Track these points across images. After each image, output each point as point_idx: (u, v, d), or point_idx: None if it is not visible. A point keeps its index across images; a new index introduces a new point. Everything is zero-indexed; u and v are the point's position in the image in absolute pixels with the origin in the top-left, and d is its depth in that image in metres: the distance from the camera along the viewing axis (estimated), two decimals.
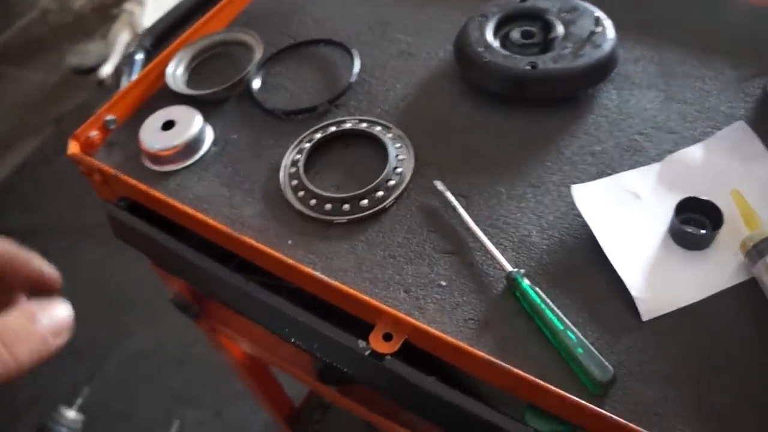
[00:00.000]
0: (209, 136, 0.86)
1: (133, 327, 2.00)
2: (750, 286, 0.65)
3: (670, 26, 0.89)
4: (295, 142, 0.83)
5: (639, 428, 0.57)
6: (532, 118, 0.82)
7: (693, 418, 0.59)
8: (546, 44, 0.82)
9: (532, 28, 0.84)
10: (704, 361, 0.62)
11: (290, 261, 0.71)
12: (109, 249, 2.13)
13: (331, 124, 0.84)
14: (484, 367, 0.63)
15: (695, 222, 0.69)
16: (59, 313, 0.43)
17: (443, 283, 0.70)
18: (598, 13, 0.83)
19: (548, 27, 0.83)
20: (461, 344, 0.63)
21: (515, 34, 0.83)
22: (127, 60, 0.95)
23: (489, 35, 0.83)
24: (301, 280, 0.73)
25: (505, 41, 0.84)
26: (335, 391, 1.09)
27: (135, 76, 0.93)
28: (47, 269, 0.47)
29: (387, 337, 0.67)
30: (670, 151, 0.76)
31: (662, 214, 0.70)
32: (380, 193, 0.76)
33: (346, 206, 0.76)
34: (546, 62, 0.79)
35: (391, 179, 0.77)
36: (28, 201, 2.31)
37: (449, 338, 0.64)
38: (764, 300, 0.64)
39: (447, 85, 0.88)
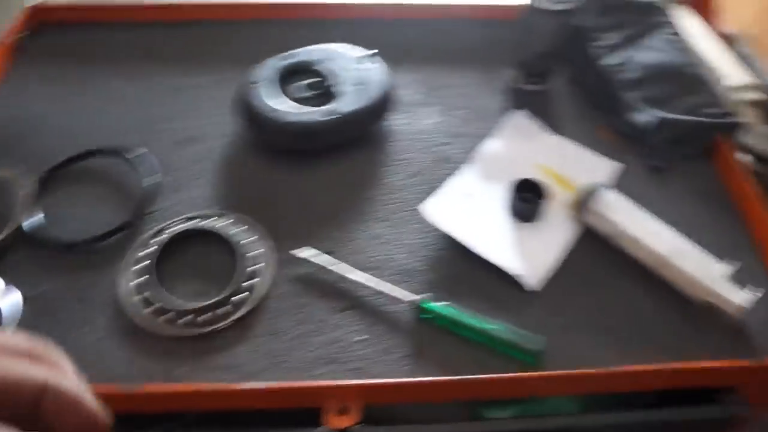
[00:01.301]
0: (13, 298, 0.70)
1: None
2: (587, 233, 0.79)
3: (420, 49, 1.02)
4: (124, 269, 0.73)
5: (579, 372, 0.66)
6: (344, 162, 0.85)
7: (598, 337, 0.70)
8: (328, 93, 0.86)
9: (309, 79, 0.86)
10: (589, 299, 0.73)
11: (206, 387, 0.64)
12: None
13: (157, 234, 0.76)
14: (445, 390, 0.66)
15: (525, 199, 0.80)
16: None
17: (363, 337, 0.70)
18: (360, 52, 0.89)
19: (322, 77, 0.87)
20: (418, 381, 0.65)
21: (297, 91, 0.85)
22: None
23: (271, 98, 0.83)
24: (219, 401, 0.65)
25: (290, 99, 0.85)
26: None
27: None
28: (100, 414, 0.35)
29: (344, 411, 0.65)
30: (474, 150, 0.86)
31: (495, 203, 0.80)
32: (248, 283, 0.72)
33: (220, 310, 0.70)
34: (339, 108, 0.83)
35: (250, 266, 0.73)
36: None
37: (404, 381, 0.65)
38: (601, 239, 0.78)
39: (248, 156, 0.86)
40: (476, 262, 0.75)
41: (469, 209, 0.80)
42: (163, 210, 0.80)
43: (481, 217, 0.79)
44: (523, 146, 0.87)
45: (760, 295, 0.70)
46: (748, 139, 0.90)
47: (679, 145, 0.87)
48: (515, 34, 0.93)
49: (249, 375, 0.66)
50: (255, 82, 0.84)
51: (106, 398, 0.44)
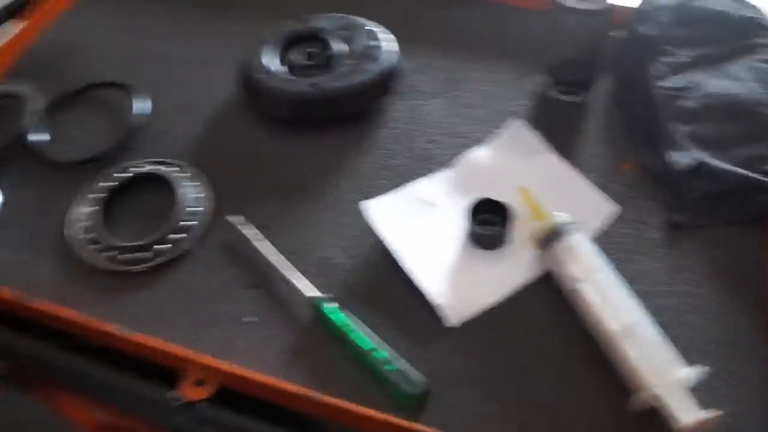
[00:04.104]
0: None
1: None
2: (546, 278, 0.68)
3: (450, 36, 0.93)
4: (81, 193, 0.79)
5: None
6: (324, 139, 0.82)
7: (507, 415, 0.60)
8: (328, 63, 0.82)
9: (313, 49, 0.84)
10: (512, 358, 0.64)
11: (86, 319, 0.67)
12: None
13: (120, 170, 0.80)
14: (297, 400, 0.62)
15: (489, 222, 0.71)
16: None
17: (252, 319, 0.68)
18: (374, 27, 0.84)
19: (327, 46, 0.83)
20: (270, 381, 0.62)
21: (297, 57, 0.83)
22: None
23: (269, 61, 0.82)
24: (102, 337, 0.68)
25: (290, 65, 0.83)
26: None
27: None
28: None
29: (200, 383, 0.64)
30: (460, 155, 0.78)
31: (457, 218, 0.72)
32: (178, 236, 0.73)
33: (143, 254, 0.72)
34: (328, 81, 0.79)
35: (186, 220, 0.74)
36: None
37: (258, 377, 0.62)
38: (559, 290, 0.66)
39: (237, 116, 0.87)
40: (402, 277, 0.69)
41: (421, 219, 0.73)
42: (140, 150, 0.84)
43: (431, 231, 0.72)
44: (513, 162, 0.76)
45: (715, 416, 0.56)
46: None
47: (720, 203, 0.70)
48: (544, 34, 0.81)
49: (136, 322, 0.68)
50: (261, 42, 0.83)
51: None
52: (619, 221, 0.72)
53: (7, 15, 0.98)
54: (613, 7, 0.76)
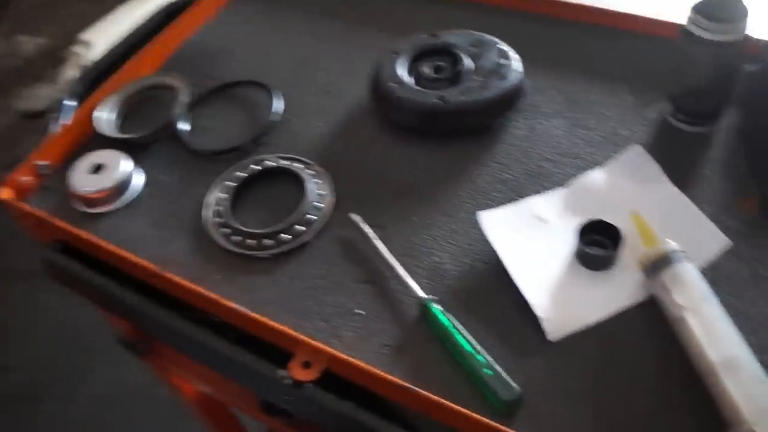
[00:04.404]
0: (139, 178, 0.88)
1: (94, 369, 1.98)
2: (650, 303, 0.68)
3: (574, 56, 0.94)
4: (217, 181, 0.86)
5: None
6: (445, 149, 0.86)
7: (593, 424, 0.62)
8: (456, 78, 0.86)
9: (442, 62, 0.87)
10: (608, 378, 0.65)
11: (213, 295, 0.74)
12: (66, 292, 2.13)
13: (254, 162, 0.87)
14: (398, 392, 0.65)
15: (598, 243, 0.72)
16: None
17: (361, 312, 0.72)
18: (504, 46, 0.87)
19: (457, 61, 0.87)
20: (374, 370, 0.66)
21: (426, 69, 0.87)
22: (57, 106, 0.97)
23: (401, 71, 0.87)
24: (225, 314, 0.75)
25: (418, 77, 0.88)
26: (284, 423, 1.10)
27: (65, 122, 0.96)
28: None
29: (307, 365, 0.69)
30: (575, 176, 0.80)
31: (567, 236, 0.74)
32: (301, 228, 0.79)
33: (268, 241, 0.78)
34: (455, 95, 0.83)
35: (310, 214, 0.80)
36: None
37: (363, 365, 0.66)
38: (663, 316, 0.67)
39: (365, 121, 0.91)
40: (505, 288, 0.71)
41: (533, 235, 0.75)
42: (271, 145, 0.90)
43: (541, 246, 0.74)
44: (628, 186, 0.77)
45: None
46: None
47: None
48: (673, 61, 0.81)
49: (256, 303, 0.74)
50: (394, 53, 0.88)
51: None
52: (733, 256, 0.71)
53: (166, 19, 1.08)
54: (746, 39, 0.75)
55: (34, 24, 2.53)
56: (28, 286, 2.16)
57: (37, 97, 2.34)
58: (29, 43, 2.48)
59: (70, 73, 2.21)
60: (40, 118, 2.28)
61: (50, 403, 1.92)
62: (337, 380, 0.69)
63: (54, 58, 2.35)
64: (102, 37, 2.29)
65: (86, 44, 2.29)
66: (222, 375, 0.82)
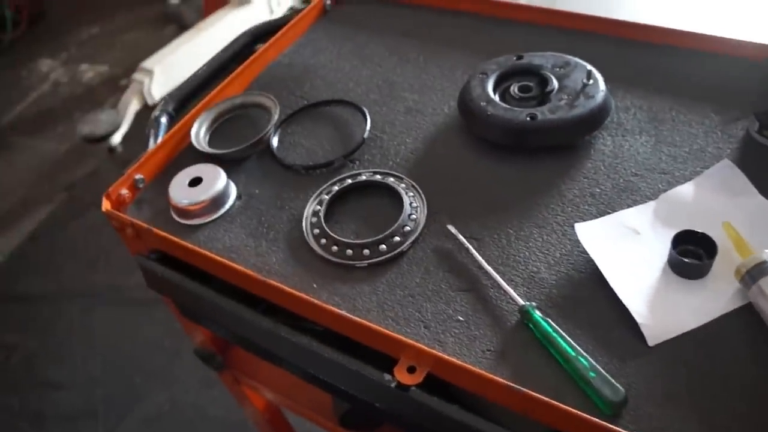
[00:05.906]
0: (233, 191, 0.92)
1: (147, 389, 2.01)
2: (746, 310, 0.71)
3: (656, 76, 0.98)
4: (315, 194, 0.89)
5: None
6: (534, 165, 0.89)
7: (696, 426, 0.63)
8: (543, 97, 0.90)
9: (530, 83, 0.91)
10: (708, 382, 0.66)
11: (317, 302, 0.77)
12: (122, 313, 2.17)
13: (348, 177, 0.90)
14: (504, 393, 0.67)
15: (691, 253, 0.75)
16: None
17: (460, 318, 0.75)
18: (589, 67, 0.91)
19: (544, 81, 0.91)
20: (482, 372, 0.68)
21: (514, 89, 0.91)
22: (152, 123, 1.01)
23: (490, 91, 0.91)
24: (328, 320, 0.78)
25: (504, 96, 0.92)
26: None
27: (160, 139, 1.00)
28: None
29: (411, 370, 0.72)
30: (664, 190, 0.82)
31: (660, 247, 0.76)
32: (397, 239, 0.82)
33: (366, 251, 0.81)
34: (544, 113, 0.86)
35: (406, 225, 0.83)
36: (41, 266, 2.36)
37: (471, 367, 0.69)
38: (760, 322, 0.69)
39: (452, 137, 0.95)
40: (601, 296, 0.74)
41: (627, 245, 0.78)
42: (362, 161, 0.94)
43: (635, 256, 0.77)
44: (718, 198, 0.80)
45: None
46: None
47: None
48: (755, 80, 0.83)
49: (357, 310, 0.77)
50: (483, 74, 0.92)
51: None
52: None
53: (251, 41, 1.13)
54: None
55: (94, 52, 2.63)
56: (82, 308, 2.20)
57: (98, 122, 2.42)
58: (90, 71, 2.57)
59: (131, 98, 2.30)
60: (99, 142, 2.35)
61: (103, 423, 1.95)
62: (433, 387, 0.71)
63: (114, 85, 2.44)
64: (160, 65, 2.38)
65: (146, 72, 2.37)
66: (318, 383, 0.84)
